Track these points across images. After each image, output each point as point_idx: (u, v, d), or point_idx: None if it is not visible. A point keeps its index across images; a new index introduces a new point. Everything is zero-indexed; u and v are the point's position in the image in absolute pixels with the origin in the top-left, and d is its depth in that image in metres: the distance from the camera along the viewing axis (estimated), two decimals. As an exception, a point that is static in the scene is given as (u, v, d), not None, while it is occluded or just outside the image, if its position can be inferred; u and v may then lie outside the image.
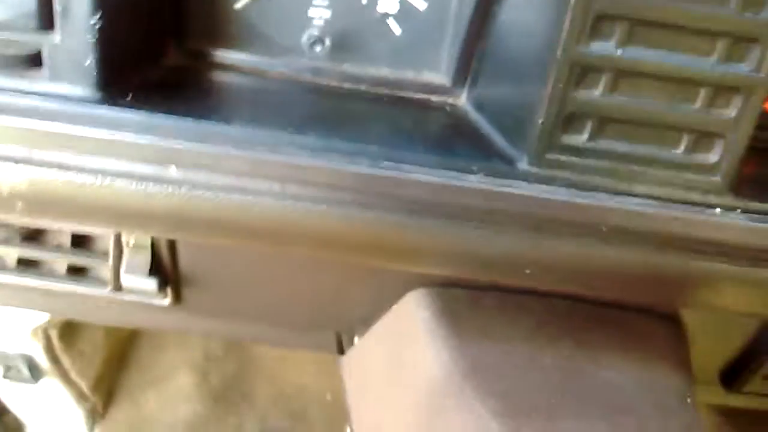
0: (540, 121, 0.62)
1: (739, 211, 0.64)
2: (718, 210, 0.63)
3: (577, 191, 0.63)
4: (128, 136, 0.60)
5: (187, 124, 0.60)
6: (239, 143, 0.61)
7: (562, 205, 0.63)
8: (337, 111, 0.72)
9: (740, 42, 0.59)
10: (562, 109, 0.61)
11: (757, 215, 0.64)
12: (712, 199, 0.64)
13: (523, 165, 0.63)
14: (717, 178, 0.63)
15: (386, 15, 0.74)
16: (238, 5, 0.73)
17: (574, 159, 0.63)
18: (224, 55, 0.75)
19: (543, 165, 0.63)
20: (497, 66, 0.69)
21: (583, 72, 0.60)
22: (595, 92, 0.61)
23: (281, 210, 0.62)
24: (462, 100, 0.75)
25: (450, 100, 0.75)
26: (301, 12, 0.73)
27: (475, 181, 0.62)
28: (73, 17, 0.58)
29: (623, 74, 0.60)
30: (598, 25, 0.58)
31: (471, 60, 0.73)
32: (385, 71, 0.75)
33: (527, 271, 0.65)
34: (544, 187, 0.63)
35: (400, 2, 0.74)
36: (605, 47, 0.59)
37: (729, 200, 0.64)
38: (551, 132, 0.62)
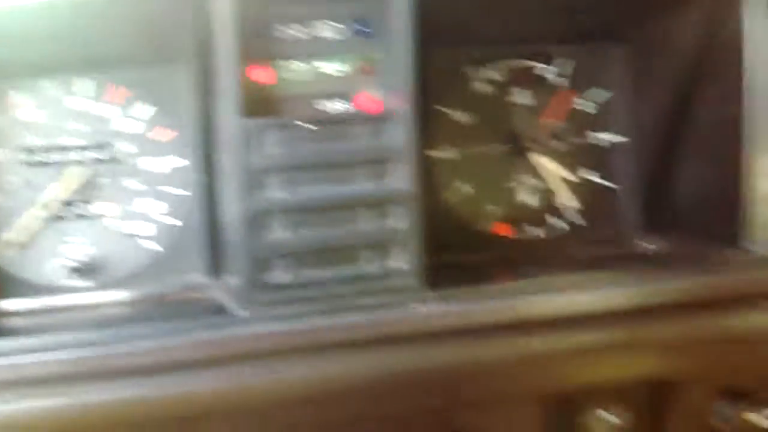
0: (240, 268, 0.69)
1: (440, 301, 0.71)
2: (423, 306, 0.70)
3: (291, 322, 0.69)
4: None
5: None
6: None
7: (280, 337, 0.68)
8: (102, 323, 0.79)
9: (378, 164, 0.71)
10: (257, 254, 0.70)
11: (455, 301, 0.71)
12: (414, 297, 0.71)
13: (241, 313, 0.70)
14: (411, 280, 0.71)
15: (146, 237, 0.87)
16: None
17: (282, 295, 0.70)
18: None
19: (256, 306, 0.70)
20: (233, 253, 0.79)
21: (262, 218, 0.70)
22: (279, 234, 0.70)
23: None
24: (218, 291, 0.84)
25: (208, 294, 0.84)
26: (59, 250, 0.85)
27: (192, 337, 0.68)
28: None
29: (295, 213, 0.70)
30: (259, 178, 0.69)
31: (220, 256, 0.83)
32: (151, 283, 0.86)
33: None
34: (259, 325, 0.68)
35: (157, 225, 0.87)
36: (271, 194, 0.69)
37: (429, 295, 0.71)
38: (253, 275, 0.70)
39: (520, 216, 0.94)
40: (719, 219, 0.81)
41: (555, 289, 0.74)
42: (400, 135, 0.70)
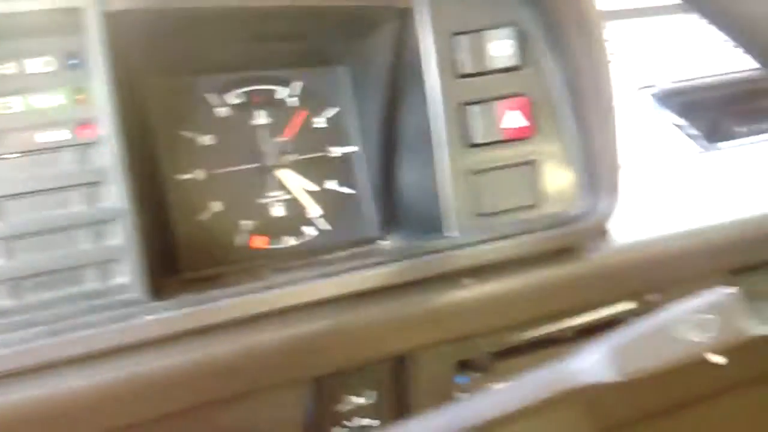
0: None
1: (166, 309, 0.76)
2: (143, 318, 0.75)
3: (14, 346, 0.71)
4: None
5: None
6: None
7: (4, 362, 0.71)
8: None
9: (92, 187, 0.76)
10: (-26, 284, 0.71)
11: (185, 308, 0.77)
12: (138, 309, 0.75)
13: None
14: (137, 294, 0.76)
15: None
16: None
17: (4, 321, 0.73)
18: None
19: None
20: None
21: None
22: (-3, 262, 0.72)
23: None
24: None
25: None
26: None
27: None
28: None
29: (11, 241, 0.74)
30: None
31: None
32: None
33: None
34: None
35: None
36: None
37: (156, 305, 0.76)
38: (-28, 306, 0.71)
39: (272, 228, 1.01)
40: (430, 214, 0.92)
41: (288, 283, 0.82)
42: (110, 158, 0.75)
